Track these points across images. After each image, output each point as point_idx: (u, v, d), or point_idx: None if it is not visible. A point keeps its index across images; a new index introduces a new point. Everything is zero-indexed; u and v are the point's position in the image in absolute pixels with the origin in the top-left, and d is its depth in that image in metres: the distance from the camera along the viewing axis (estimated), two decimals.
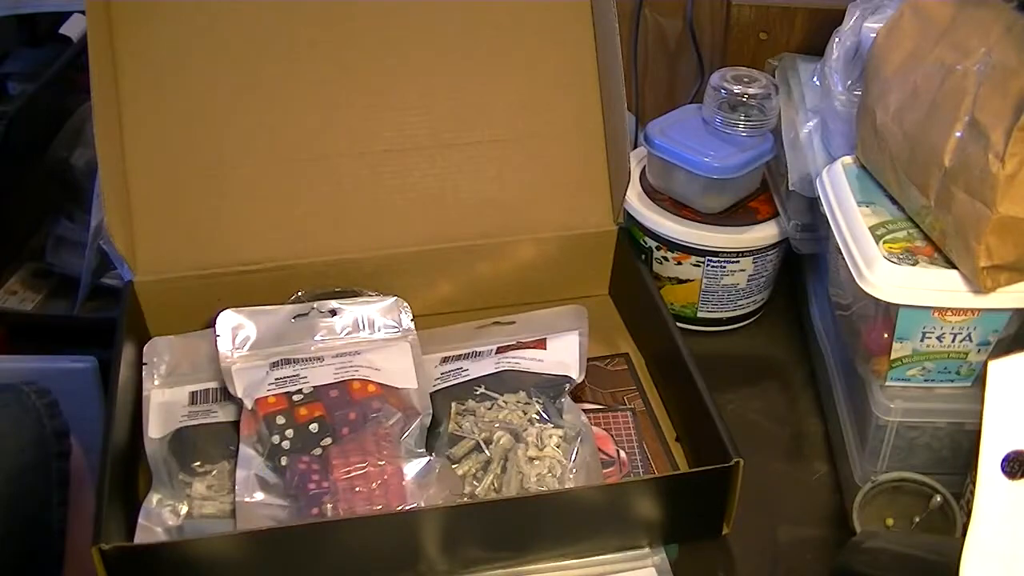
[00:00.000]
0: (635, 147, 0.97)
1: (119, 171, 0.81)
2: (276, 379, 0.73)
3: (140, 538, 0.66)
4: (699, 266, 0.86)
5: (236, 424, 0.72)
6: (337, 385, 0.73)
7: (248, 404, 0.72)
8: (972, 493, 0.46)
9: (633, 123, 1.07)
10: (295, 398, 0.72)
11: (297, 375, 0.74)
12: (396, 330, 0.79)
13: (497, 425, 0.72)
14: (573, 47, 0.87)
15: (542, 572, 0.69)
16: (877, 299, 0.66)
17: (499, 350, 0.79)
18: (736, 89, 0.85)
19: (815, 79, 0.87)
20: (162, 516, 0.67)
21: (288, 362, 0.75)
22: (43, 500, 0.73)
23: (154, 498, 0.68)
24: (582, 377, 0.76)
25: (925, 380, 0.70)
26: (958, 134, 0.64)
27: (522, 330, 0.82)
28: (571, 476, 0.70)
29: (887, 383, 0.71)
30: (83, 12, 0.98)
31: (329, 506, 0.67)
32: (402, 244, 0.85)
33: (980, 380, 0.69)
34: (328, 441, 0.70)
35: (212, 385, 0.76)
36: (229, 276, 0.82)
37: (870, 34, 0.79)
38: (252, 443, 0.70)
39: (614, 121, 0.86)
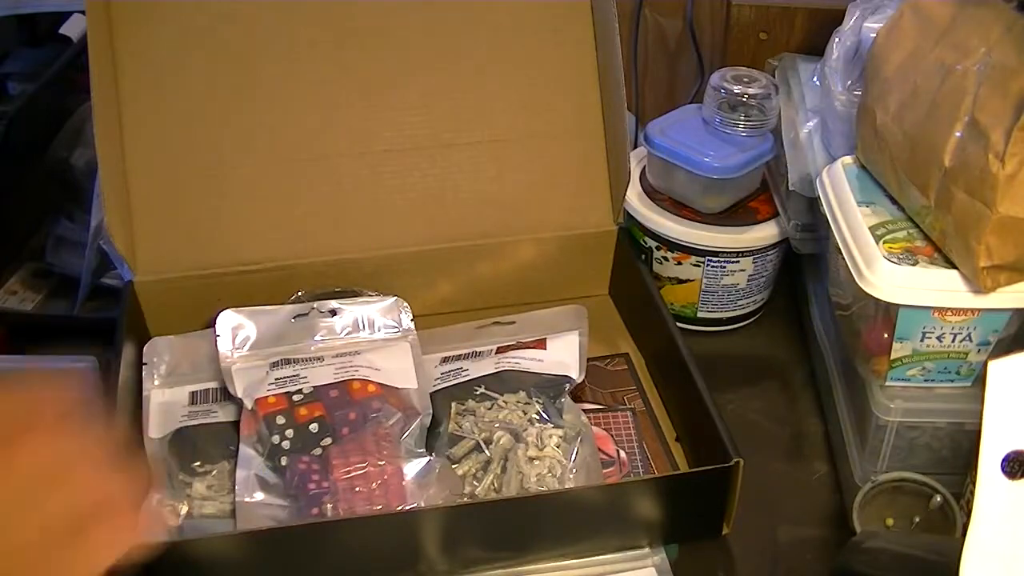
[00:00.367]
0: (635, 147, 0.97)
1: (119, 171, 0.81)
2: (276, 379, 0.73)
3: None
4: (699, 266, 0.86)
5: (236, 424, 0.72)
6: (337, 385, 0.73)
7: (248, 404, 0.72)
8: (972, 493, 0.46)
9: (633, 123, 1.07)
10: (295, 398, 0.72)
11: (297, 375, 0.74)
12: (396, 330, 0.79)
13: (497, 425, 0.72)
14: (573, 47, 0.87)
15: (542, 572, 0.69)
16: (877, 299, 0.66)
17: (499, 350, 0.79)
18: (736, 89, 0.85)
19: (815, 79, 0.87)
20: (162, 516, 0.67)
21: (288, 362, 0.75)
22: None
23: (154, 498, 0.68)
24: (582, 377, 0.76)
25: (925, 380, 0.70)
26: (958, 134, 0.64)
27: (522, 330, 0.82)
28: (571, 476, 0.70)
29: (887, 383, 0.71)
30: (83, 12, 0.98)
31: (329, 506, 0.67)
32: (402, 244, 0.85)
33: (980, 380, 0.69)
34: (328, 441, 0.70)
35: (212, 385, 0.76)
36: (229, 276, 0.82)
37: (870, 34, 0.79)
38: (252, 443, 0.70)
39: (614, 121, 0.86)
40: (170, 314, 0.82)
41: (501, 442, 0.71)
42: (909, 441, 0.72)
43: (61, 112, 1.03)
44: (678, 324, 0.80)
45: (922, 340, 0.68)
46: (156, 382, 0.76)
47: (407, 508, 0.67)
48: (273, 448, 0.70)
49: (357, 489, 0.67)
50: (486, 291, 0.88)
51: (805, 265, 0.92)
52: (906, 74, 0.70)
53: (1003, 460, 0.45)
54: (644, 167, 0.91)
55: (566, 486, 0.69)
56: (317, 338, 0.78)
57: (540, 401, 0.74)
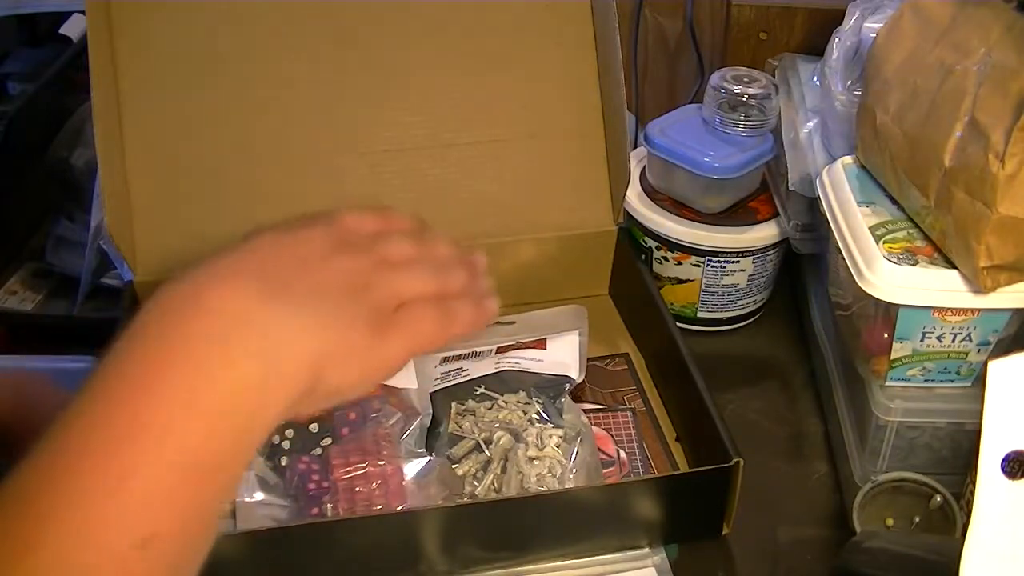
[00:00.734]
0: (635, 147, 0.97)
1: (119, 171, 0.81)
2: None
3: None
4: (699, 266, 0.86)
5: None
6: None
7: None
8: (972, 493, 0.46)
9: (633, 123, 1.07)
10: None
11: None
12: None
13: (497, 425, 0.72)
14: (573, 47, 0.87)
15: (542, 572, 0.69)
16: (877, 299, 0.66)
17: (499, 350, 0.79)
18: (736, 89, 0.85)
19: (815, 79, 0.87)
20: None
21: None
22: None
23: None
24: (582, 377, 0.76)
25: (925, 380, 0.70)
26: (958, 134, 0.64)
27: (522, 330, 0.82)
28: (571, 476, 0.70)
29: (887, 383, 0.71)
30: (83, 12, 0.98)
31: (329, 506, 0.67)
32: None
33: (980, 380, 0.69)
34: (328, 441, 0.70)
35: None
36: None
37: (870, 34, 0.79)
38: None
39: (614, 121, 0.86)
40: None
41: (501, 442, 0.71)
42: (909, 441, 0.72)
43: (61, 112, 1.04)
44: (678, 324, 0.80)
45: (922, 340, 0.68)
46: None
47: (407, 508, 0.67)
48: (273, 448, 0.70)
49: (357, 489, 0.67)
50: None
51: (805, 265, 0.92)
52: (906, 74, 0.70)
53: (1003, 460, 0.45)
54: (644, 167, 0.91)
55: (566, 486, 0.69)
56: None
57: (540, 401, 0.74)
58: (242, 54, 0.83)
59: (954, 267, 0.66)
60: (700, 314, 0.90)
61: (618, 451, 0.76)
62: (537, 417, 0.73)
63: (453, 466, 0.71)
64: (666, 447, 0.77)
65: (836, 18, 0.84)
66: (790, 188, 0.83)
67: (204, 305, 0.43)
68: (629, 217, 0.89)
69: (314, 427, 0.70)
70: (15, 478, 0.39)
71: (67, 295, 0.98)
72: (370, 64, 0.85)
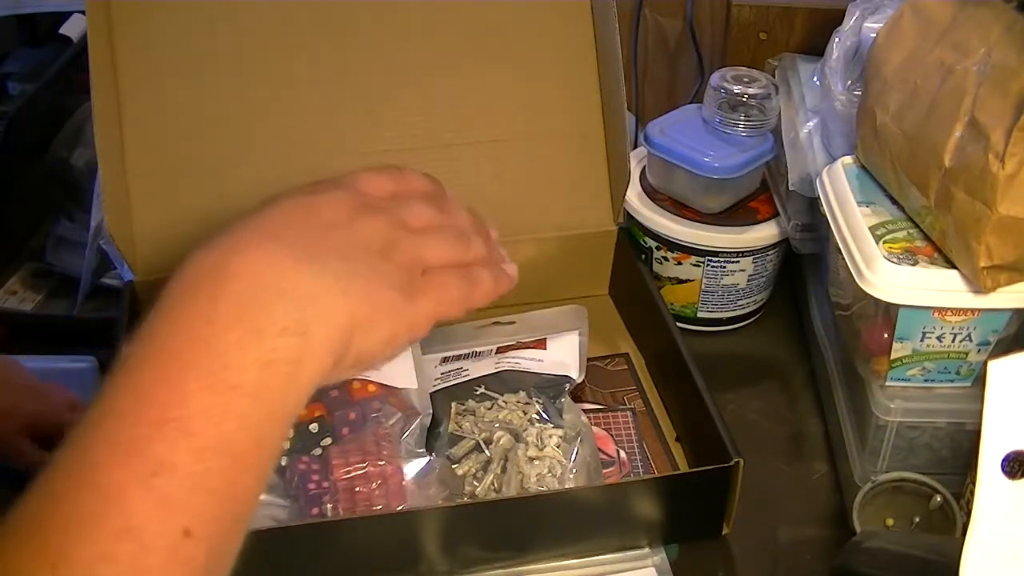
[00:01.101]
0: (635, 147, 0.97)
1: (119, 171, 0.80)
2: None
3: None
4: (699, 266, 0.86)
5: None
6: (337, 385, 0.73)
7: None
8: (972, 493, 0.46)
9: (633, 123, 1.07)
10: None
11: None
12: None
13: (497, 425, 0.72)
14: (573, 47, 0.87)
15: (542, 572, 0.69)
16: (877, 299, 0.66)
17: (499, 350, 0.79)
18: (736, 89, 0.85)
19: (815, 79, 0.87)
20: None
21: None
22: None
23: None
24: (582, 377, 0.76)
25: (925, 380, 0.70)
26: (958, 134, 0.64)
27: (522, 330, 0.82)
28: (571, 476, 0.70)
29: (887, 383, 0.71)
30: (83, 12, 0.98)
31: (329, 506, 0.67)
32: None
33: (980, 380, 0.69)
34: (328, 441, 0.70)
35: None
36: None
37: (870, 34, 0.79)
38: None
39: (614, 121, 0.86)
40: None
41: (501, 442, 0.71)
42: (909, 441, 0.72)
43: (61, 112, 1.04)
44: (678, 324, 0.80)
45: (922, 340, 0.68)
46: None
47: (407, 508, 0.67)
48: None
49: (357, 489, 0.67)
50: None
51: (805, 265, 0.92)
52: (906, 74, 0.70)
53: (1003, 460, 0.45)
54: (644, 167, 0.91)
55: (566, 486, 0.69)
56: None
57: (540, 401, 0.74)
58: (242, 54, 0.83)
59: (954, 267, 0.66)
60: (700, 314, 0.90)
61: (618, 451, 0.76)
62: (537, 417, 0.73)
63: (453, 466, 0.71)
64: (666, 447, 0.77)
65: (836, 18, 0.84)
66: (790, 188, 0.83)
67: (231, 273, 0.43)
68: (629, 217, 0.89)
69: (314, 427, 0.70)
70: (44, 477, 0.38)
71: (67, 295, 0.98)
72: (370, 64, 0.85)
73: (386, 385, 0.74)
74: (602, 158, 0.88)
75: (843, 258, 0.69)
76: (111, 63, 0.80)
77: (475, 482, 0.70)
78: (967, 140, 0.63)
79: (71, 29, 1.12)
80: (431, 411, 0.74)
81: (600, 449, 0.74)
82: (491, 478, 0.70)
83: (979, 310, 0.66)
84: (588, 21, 0.87)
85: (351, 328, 0.44)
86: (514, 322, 0.84)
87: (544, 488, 0.69)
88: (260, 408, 0.41)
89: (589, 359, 0.80)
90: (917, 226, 0.69)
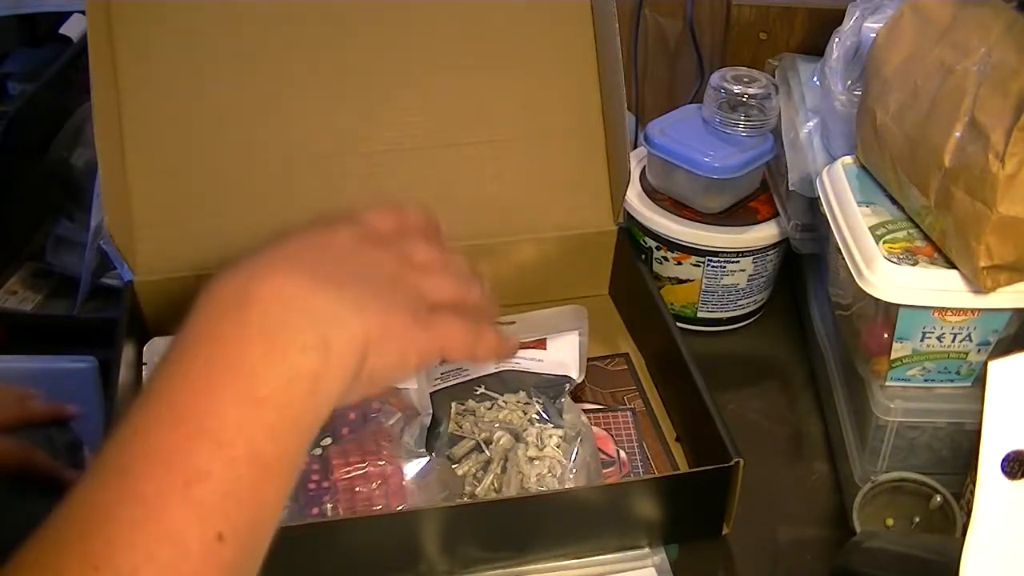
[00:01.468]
0: (635, 147, 0.97)
1: (119, 171, 0.81)
2: None
3: None
4: (699, 266, 0.86)
5: None
6: None
7: None
8: (972, 493, 0.46)
9: (633, 123, 1.07)
10: None
11: None
12: None
13: (497, 425, 0.72)
14: (573, 47, 0.87)
15: (542, 572, 0.69)
16: (877, 299, 0.66)
17: None
18: (736, 89, 0.85)
19: (815, 79, 0.87)
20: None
21: None
22: None
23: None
24: (582, 377, 0.76)
25: (925, 380, 0.70)
26: (958, 134, 0.64)
27: (522, 330, 0.82)
28: (571, 476, 0.70)
29: (887, 383, 0.71)
30: (83, 12, 0.98)
31: (329, 506, 0.67)
32: None
33: (980, 380, 0.69)
34: (328, 441, 0.70)
35: None
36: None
37: (870, 34, 0.79)
38: None
39: (614, 121, 0.86)
40: (170, 314, 0.81)
41: (501, 442, 0.71)
42: (909, 441, 0.72)
43: (61, 112, 1.04)
44: (678, 324, 0.80)
45: (922, 340, 0.68)
46: None
47: (407, 508, 0.67)
48: None
49: (357, 489, 0.67)
50: None
51: (805, 265, 0.92)
52: (906, 74, 0.70)
53: (1003, 460, 0.45)
54: (644, 167, 0.91)
55: (566, 486, 0.69)
56: None
57: (540, 401, 0.74)
58: (242, 54, 0.83)
59: (954, 267, 0.66)
60: (700, 314, 0.90)
61: (618, 451, 0.76)
62: (537, 417, 0.73)
63: (453, 466, 0.71)
64: (666, 447, 0.77)
65: (836, 18, 0.84)
66: (790, 188, 0.83)
67: (255, 296, 0.45)
68: (629, 217, 0.89)
69: None
70: (83, 487, 0.41)
71: (67, 295, 0.98)
72: (370, 64, 0.85)
73: None
74: (602, 158, 0.88)
75: (843, 258, 0.69)
76: (111, 63, 0.80)
77: (475, 482, 0.70)
78: (967, 140, 0.63)
79: (71, 29, 1.12)
80: (431, 411, 0.74)
81: (600, 449, 0.74)
82: (491, 478, 0.70)
83: (979, 310, 0.66)
84: (588, 21, 0.87)
85: (366, 345, 0.46)
86: (514, 322, 0.84)
87: (544, 488, 0.69)
88: (286, 420, 0.43)
89: (589, 359, 0.80)
90: (917, 226, 0.69)
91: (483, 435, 0.72)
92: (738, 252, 0.86)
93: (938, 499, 0.68)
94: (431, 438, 0.73)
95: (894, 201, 0.72)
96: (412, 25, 0.85)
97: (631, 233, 0.89)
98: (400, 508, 0.67)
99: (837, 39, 0.83)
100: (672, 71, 1.10)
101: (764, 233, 0.86)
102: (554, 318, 0.83)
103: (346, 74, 0.84)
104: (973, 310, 0.66)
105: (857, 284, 0.67)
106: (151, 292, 0.81)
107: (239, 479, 0.42)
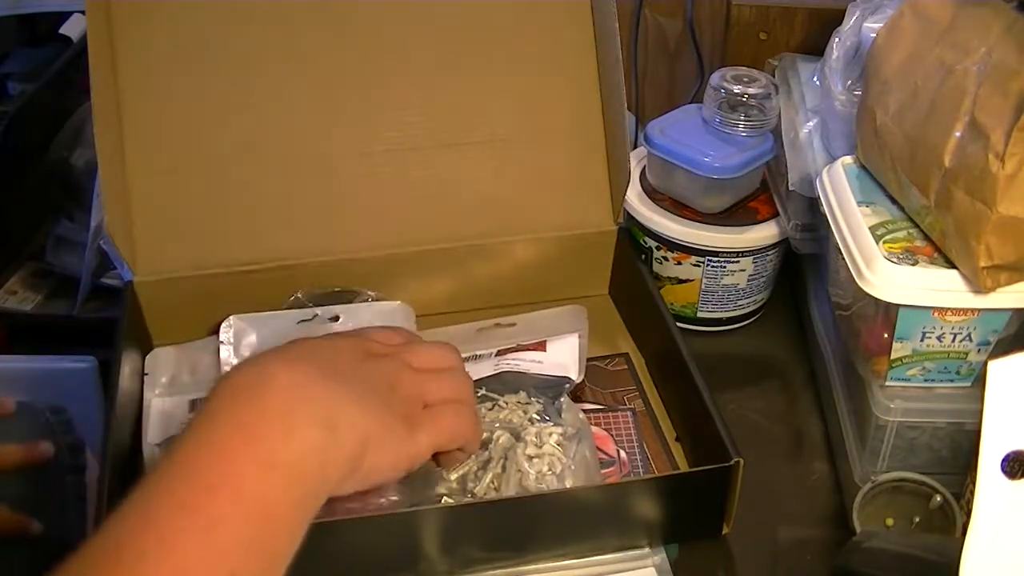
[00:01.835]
0: (635, 147, 0.97)
1: (119, 171, 0.81)
2: None
3: None
4: (699, 266, 0.86)
5: None
6: None
7: None
8: (972, 493, 0.46)
9: (633, 123, 1.07)
10: None
11: None
12: None
13: (497, 425, 0.72)
14: (573, 47, 0.87)
15: (542, 572, 0.69)
16: (877, 299, 0.66)
17: (499, 352, 0.79)
18: (736, 89, 0.85)
19: (815, 79, 0.87)
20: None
21: None
22: (60, 514, 0.73)
23: None
24: (581, 378, 0.76)
25: (925, 380, 0.70)
26: (958, 134, 0.64)
27: (522, 332, 0.82)
28: (571, 472, 0.70)
29: (887, 383, 0.71)
30: (83, 12, 0.98)
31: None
32: (402, 244, 0.85)
33: (980, 380, 0.69)
34: None
35: None
36: (229, 276, 0.82)
37: (870, 34, 0.79)
38: None
39: (614, 121, 0.86)
40: (170, 314, 0.82)
41: (500, 441, 0.71)
42: (909, 441, 0.72)
43: (61, 112, 1.04)
44: (678, 324, 0.80)
45: (922, 340, 0.68)
46: (157, 391, 0.76)
47: (407, 508, 0.67)
48: None
49: None
50: (486, 291, 0.88)
51: (805, 265, 0.92)
52: (906, 74, 0.70)
53: (1003, 460, 0.45)
54: (644, 167, 0.91)
55: (566, 483, 0.69)
56: None
57: (540, 401, 0.74)
58: (242, 54, 0.83)
59: (954, 267, 0.66)
60: (700, 314, 0.90)
61: (618, 451, 0.76)
62: (537, 417, 0.73)
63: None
64: (666, 447, 0.77)
65: (836, 18, 0.84)
66: (790, 188, 0.83)
67: (269, 384, 0.50)
68: (629, 217, 0.89)
69: None
70: (106, 529, 0.45)
71: (67, 295, 0.98)
72: (370, 64, 0.85)
73: None
74: (602, 158, 0.88)
75: (843, 258, 0.69)
76: (111, 63, 0.80)
77: (475, 481, 0.70)
78: (967, 140, 0.63)
79: (71, 29, 1.12)
80: None
81: (600, 449, 0.74)
82: (490, 477, 0.70)
83: (979, 310, 0.66)
84: (588, 21, 0.87)
85: (367, 441, 0.52)
86: (515, 324, 0.84)
87: (544, 486, 0.69)
88: (298, 487, 0.49)
89: (589, 359, 0.80)
90: (917, 226, 0.69)
91: (483, 435, 0.72)
92: (738, 252, 0.86)
93: (938, 499, 0.68)
94: None
95: (894, 201, 0.72)
96: (412, 25, 0.85)
97: (631, 233, 0.89)
98: (399, 508, 0.67)
99: (837, 39, 0.83)
100: (672, 71, 1.10)
101: (764, 233, 0.86)
102: (554, 319, 0.83)
103: (346, 74, 0.84)
104: (973, 310, 0.66)
105: (857, 284, 0.67)
106: (151, 292, 0.81)
107: (253, 531, 0.46)
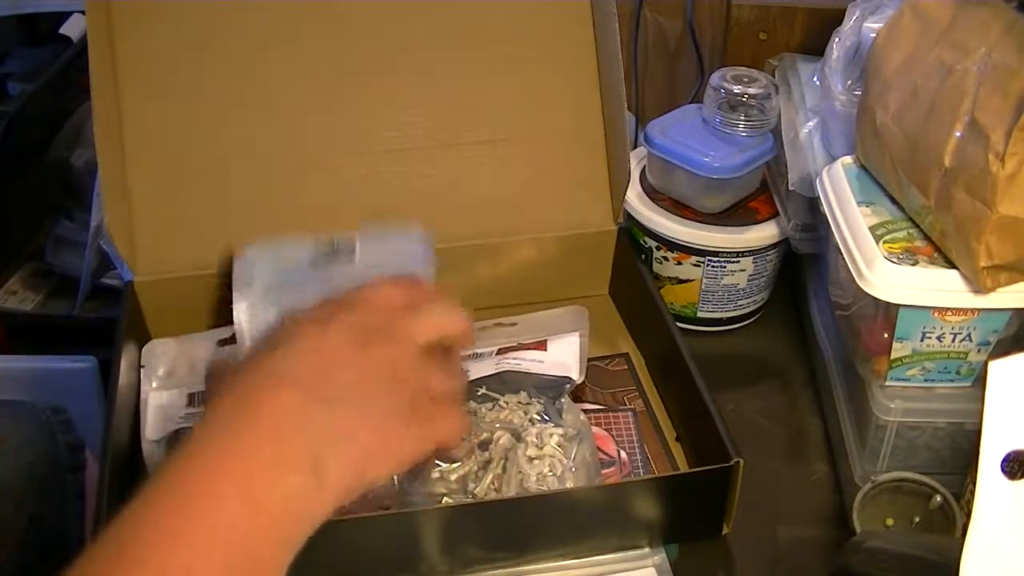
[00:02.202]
0: (635, 147, 0.97)
1: (119, 171, 0.81)
2: None
3: None
4: (699, 266, 0.86)
5: None
6: None
7: None
8: (972, 493, 0.46)
9: (633, 123, 1.07)
10: None
11: None
12: None
13: (498, 425, 0.72)
14: (573, 47, 0.87)
15: (542, 572, 0.69)
16: (877, 299, 0.66)
17: (500, 351, 0.79)
18: (736, 89, 0.85)
19: (815, 79, 0.87)
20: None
21: None
22: (60, 513, 0.73)
23: None
24: (582, 378, 0.76)
25: (925, 380, 0.70)
26: (958, 134, 0.64)
27: (523, 331, 0.82)
28: (571, 474, 0.70)
29: (887, 383, 0.71)
30: (83, 12, 0.98)
31: None
32: None
33: (980, 380, 0.69)
34: None
35: None
36: (229, 276, 0.82)
37: (870, 34, 0.79)
38: None
39: (614, 121, 0.86)
40: (170, 314, 0.82)
41: (501, 442, 0.71)
42: (909, 441, 0.72)
43: (61, 112, 1.04)
44: (678, 324, 0.80)
45: (922, 340, 0.68)
46: (154, 384, 0.76)
47: (407, 508, 0.67)
48: None
49: None
50: (486, 291, 0.88)
51: (805, 265, 0.92)
52: (906, 74, 0.70)
53: (1003, 460, 0.45)
54: (644, 167, 0.91)
55: (566, 484, 0.69)
56: None
57: (541, 401, 0.74)
58: (242, 54, 0.83)
59: (954, 267, 0.66)
60: (700, 314, 0.90)
61: (619, 451, 0.76)
62: (538, 417, 0.73)
63: (454, 465, 0.71)
64: (666, 447, 0.77)
65: (836, 18, 0.84)
66: (790, 188, 0.83)
67: (254, 414, 0.47)
68: (629, 217, 0.89)
69: None
70: (79, 567, 0.42)
71: (67, 295, 0.98)
72: (370, 64, 0.85)
73: None
74: (602, 158, 0.88)
75: (843, 258, 0.69)
76: (111, 63, 0.80)
77: (475, 482, 0.70)
78: (967, 140, 0.63)
79: (71, 29, 1.13)
80: None
81: (601, 449, 0.74)
82: (491, 477, 0.70)
83: (979, 310, 0.66)
84: (588, 21, 0.87)
85: (364, 463, 0.50)
86: (515, 323, 0.84)
87: (544, 487, 0.69)
88: (278, 530, 0.46)
89: (589, 359, 0.80)
90: (917, 226, 0.69)
91: (484, 435, 0.72)
92: (738, 252, 0.86)
93: (938, 499, 0.68)
94: None
95: (894, 201, 0.72)
96: (412, 25, 0.85)
97: (631, 233, 0.89)
98: (400, 508, 0.67)
99: (837, 39, 0.83)
100: (672, 71, 1.10)
101: (764, 233, 0.86)
102: (554, 319, 0.83)
103: (346, 74, 0.84)
104: (973, 310, 0.66)
105: (857, 284, 0.67)
106: (151, 292, 0.81)
107: (231, 570, 0.44)
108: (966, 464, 0.68)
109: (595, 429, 0.75)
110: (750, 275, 0.87)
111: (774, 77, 0.92)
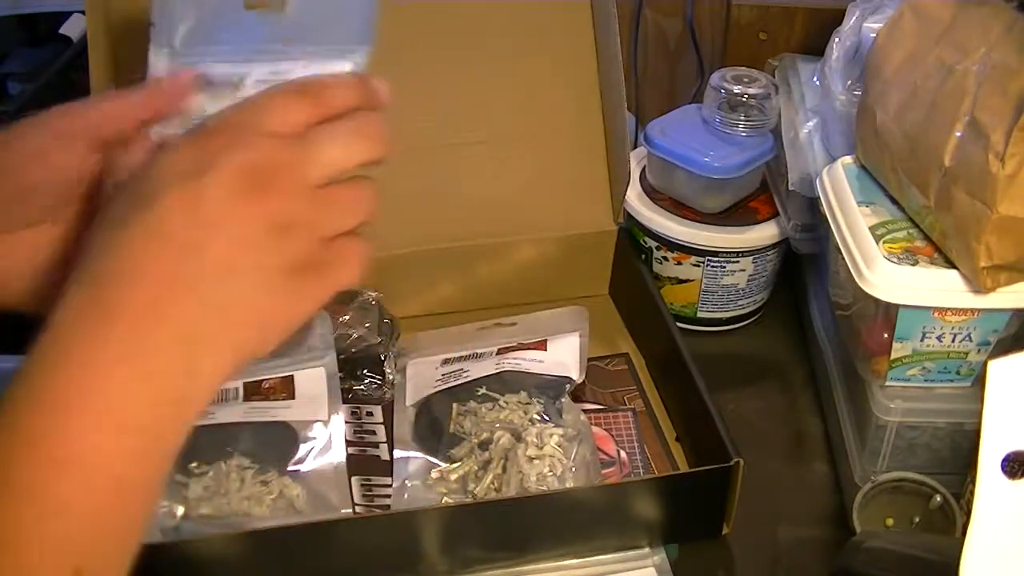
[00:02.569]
0: (635, 147, 0.97)
1: None
2: None
3: None
4: (699, 266, 0.86)
5: (233, 425, 0.72)
6: None
7: None
8: (972, 493, 0.46)
9: (633, 123, 1.07)
10: None
11: None
12: None
13: (498, 425, 0.72)
14: (573, 47, 0.87)
15: (542, 572, 0.69)
16: (877, 299, 0.66)
17: (500, 351, 0.79)
18: (736, 89, 0.85)
19: (815, 79, 0.87)
20: (159, 517, 0.67)
21: None
22: None
23: None
24: (582, 378, 0.76)
25: (925, 380, 0.70)
26: (958, 134, 0.64)
27: (523, 331, 0.82)
28: (571, 474, 0.70)
29: (887, 383, 0.71)
30: (83, 12, 0.98)
31: None
32: (402, 244, 0.85)
33: (980, 380, 0.69)
34: None
35: None
36: None
37: (870, 34, 0.79)
38: None
39: (614, 121, 0.86)
40: None
41: (501, 442, 0.71)
42: (909, 441, 0.72)
43: None
44: (678, 324, 0.80)
45: (922, 340, 0.68)
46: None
47: (407, 508, 0.67)
48: None
49: None
50: (486, 291, 0.88)
51: (805, 265, 0.92)
52: (906, 74, 0.70)
53: (1003, 460, 0.45)
54: (644, 167, 0.91)
55: (566, 484, 0.69)
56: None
57: (541, 401, 0.74)
58: None
59: (954, 267, 0.66)
60: (700, 314, 0.90)
61: (619, 451, 0.76)
62: (538, 417, 0.73)
63: (454, 466, 0.71)
64: (666, 447, 0.77)
65: (836, 18, 0.84)
66: (790, 188, 0.83)
67: (115, 310, 0.41)
68: (629, 217, 0.89)
69: None
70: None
71: None
72: (369, 65, 0.84)
73: None
74: (602, 158, 0.88)
75: (843, 258, 0.69)
76: (111, 63, 0.80)
77: (475, 482, 0.70)
78: (967, 140, 0.63)
79: (71, 29, 1.12)
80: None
81: (600, 449, 0.74)
82: (491, 478, 0.70)
83: (979, 310, 0.66)
84: (588, 21, 0.87)
85: (242, 351, 0.43)
86: (515, 323, 0.84)
87: (544, 487, 0.69)
88: (149, 444, 0.41)
89: (589, 359, 0.80)
90: (917, 226, 0.69)
91: (484, 435, 0.72)
92: (738, 252, 0.85)
93: (938, 499, 0.68)
94: (432, 439, 0.73)
95: (894, 201, 0.72)
96: (412, 26, 0.85)
97: (631, 233, 0.89)
98: (399, 508, 0.67)
99: (837, 39, 0.83)
100: (672, 71, 1.10)
101: (764, 233, 0.86)
102: (554, 319, 0.83)
103: None
104: (973, 310, 0.66)
105: (857, 284, 0.67)
106: None
107: (99, 509, 0.39)
108: (966, 464, 0.68)
109: (595, 429, 0.75)
110: (750, 275, 0.87)
111: (774, 77, 0.92)
